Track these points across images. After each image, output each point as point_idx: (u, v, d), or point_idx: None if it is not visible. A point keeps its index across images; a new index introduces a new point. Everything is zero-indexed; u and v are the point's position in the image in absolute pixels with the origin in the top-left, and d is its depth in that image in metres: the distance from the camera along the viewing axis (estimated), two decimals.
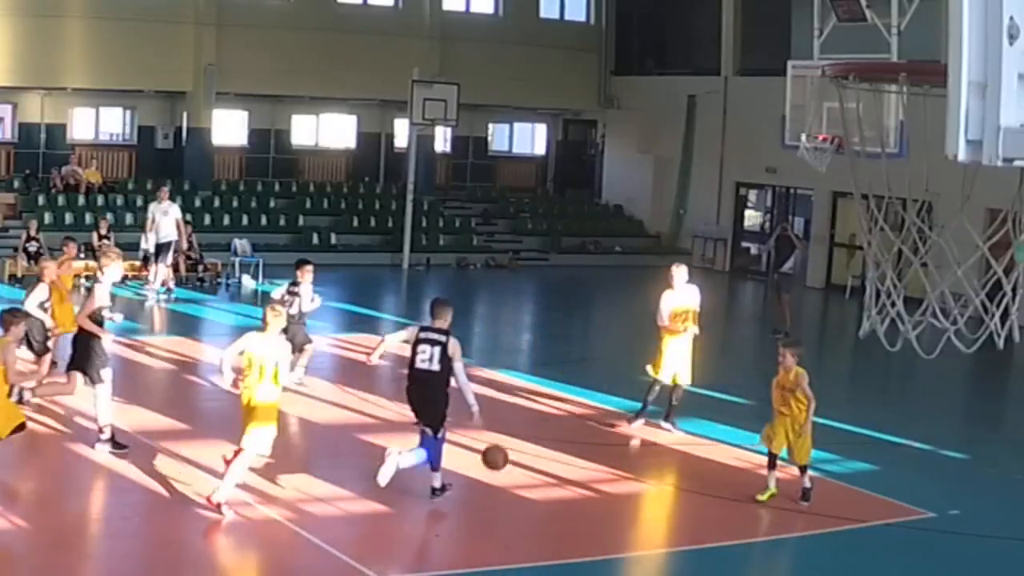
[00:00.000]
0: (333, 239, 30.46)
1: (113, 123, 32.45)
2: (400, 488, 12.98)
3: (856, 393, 16.32)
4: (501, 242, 32.73)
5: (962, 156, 5.86)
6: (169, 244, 23.70)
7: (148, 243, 23.78)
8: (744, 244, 33.27)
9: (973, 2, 5.74)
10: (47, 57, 28.85)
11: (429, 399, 11.83)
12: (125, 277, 24.67)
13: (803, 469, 12.36)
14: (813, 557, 11.25)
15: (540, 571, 10.34)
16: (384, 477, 11.68)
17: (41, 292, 14.73)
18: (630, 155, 35.55)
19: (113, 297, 13.59)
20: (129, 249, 25.12)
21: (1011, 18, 5.68)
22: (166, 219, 23.70)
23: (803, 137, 16.13)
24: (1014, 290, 11.57)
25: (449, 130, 34.24)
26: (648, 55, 36.48)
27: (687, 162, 34.10)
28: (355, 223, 31.53)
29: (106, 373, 12.74)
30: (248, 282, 25.48)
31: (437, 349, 11.73)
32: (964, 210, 11.37)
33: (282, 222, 30.58)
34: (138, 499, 11.56)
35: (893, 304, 12.35)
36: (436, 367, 11.73)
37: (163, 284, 23.63)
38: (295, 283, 16.09)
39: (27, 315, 13.26)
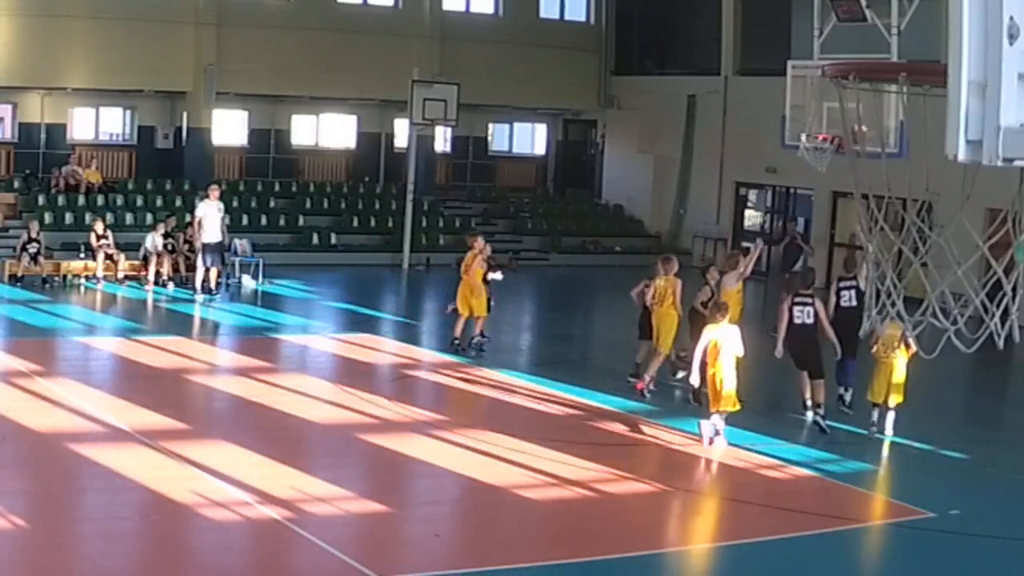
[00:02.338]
0: (333, 239, 30.45)
1: (113, 123, 32.41)
2: (400, 488, 13.00)
3: (856, 393, 16.34)
4: (501, 242, 32.68)
5: (962, 156, 5.86)
6: (217, 245, 23.70)
7: (196, 242, 23.82)
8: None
9: (973, 2, 5.73)
10: (47, 57, 28.84)
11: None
12: (125, 277, 24.77)
13: None
14: (813, 557, 11.24)
15: (540, 571, 10.33)
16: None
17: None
18: (630, 155, 35.52)
19: None
20: (129, 249, 25.21)
21: (1011, 18, 5.68)
22: (217, 218, 23.74)
23: (803, 137, 16.13)
24: (1014, 290, 11.55)
25: (449, 130, 34.20)
26: (648, 55, 36.45)
27: (687, 162, 34.08)
28: (355, 223, 31.51)
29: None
30: (248, 282, 25.47)
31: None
32: (964, 210, 11.36)
33: (282, 222, 30.55)
34: (138, 499, 11.56)
35: (893, 304, 12.34)
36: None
37: (204, 285, 23.61)
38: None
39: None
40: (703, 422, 14.30)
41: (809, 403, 15.72)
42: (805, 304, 15.77)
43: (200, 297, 23.35)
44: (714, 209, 33.48)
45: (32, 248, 24.30)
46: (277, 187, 32.54)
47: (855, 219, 17.80)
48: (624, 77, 36.07)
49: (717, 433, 14.29)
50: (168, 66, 30.03)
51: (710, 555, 11.13)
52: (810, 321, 15.71)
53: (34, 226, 24.82)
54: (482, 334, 19.06)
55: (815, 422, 15.50)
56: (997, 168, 5.92)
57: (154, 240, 24.74)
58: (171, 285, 24.45)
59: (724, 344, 14.09)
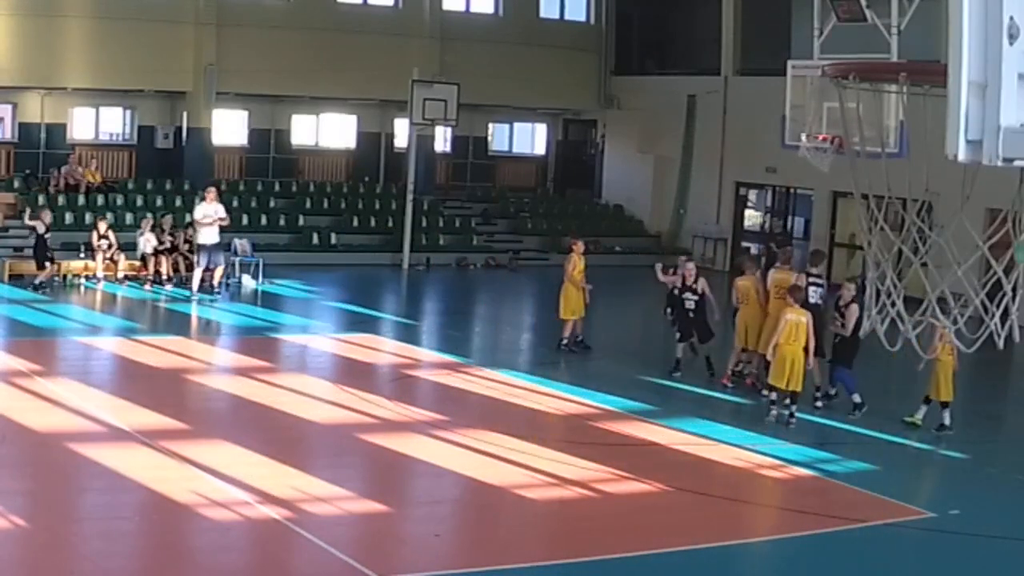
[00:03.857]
0: (333, 239, 30.45)
1: (113, 123, 32.39)
2: (400, 488, 13.00)
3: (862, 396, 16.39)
4: (501, 242, 32.71)
5: (962, 156, 5.86)
6: (213, 246, 23.67)
7: (195, 241, 23.87)
8: (745, 244, 33.23)
9: (973, 2, 5.73)
10: (47, 57, 28.83)
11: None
12: (125, 277, 24.76)
13: None
14: (813, 557, 11.24)
15: (540, 571, 10.34)
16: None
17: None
18: (630, 155, 35.53)
19: None
20: (128, 248, 25.20)
21: (1011, 18, 5.68)
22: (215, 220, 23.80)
23: (803, 137, 16.11)
24: (1014, 290, 11.56)
25: (449, 130, 34.21)
26: (648, 55, 36.45)
27: (687, 162, 34.08)
28: (355, 223, 31.50)
29: None
30: (248, 282, 25.46)
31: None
32: (964, 210, 11.36)
33: (282, 222, 30.55)
34: (138, 499, 11.56)
35: (893, 304, 12.34)
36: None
37: (202, 286, 23.58)
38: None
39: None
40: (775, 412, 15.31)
41: (820, 392, 16.33)
42: (817, 285, 16.29)
43: (195, 297, 23.32)
44: (714, 209, 33.48)
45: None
46: (277, 187, 32.54)
47: (855, 219, 17.82)
48: (624, 77, 36.07)
49: (792, 416, 15.15)
50: (168, 66, 30.02)
51: (710, 555, 11.12)
52: (820, 303, 16.21)
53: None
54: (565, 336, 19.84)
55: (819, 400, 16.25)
56: (997, 168, 5.92)
57: (145, 237, 24.73)
58: (170, 285, 24.43)
59: (800, 327, 15.02)
